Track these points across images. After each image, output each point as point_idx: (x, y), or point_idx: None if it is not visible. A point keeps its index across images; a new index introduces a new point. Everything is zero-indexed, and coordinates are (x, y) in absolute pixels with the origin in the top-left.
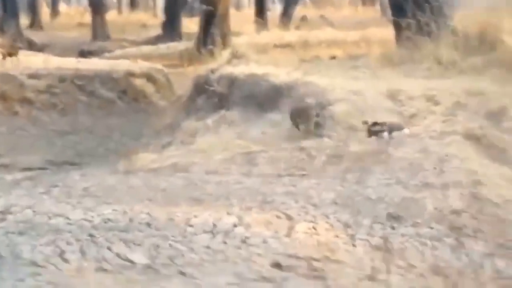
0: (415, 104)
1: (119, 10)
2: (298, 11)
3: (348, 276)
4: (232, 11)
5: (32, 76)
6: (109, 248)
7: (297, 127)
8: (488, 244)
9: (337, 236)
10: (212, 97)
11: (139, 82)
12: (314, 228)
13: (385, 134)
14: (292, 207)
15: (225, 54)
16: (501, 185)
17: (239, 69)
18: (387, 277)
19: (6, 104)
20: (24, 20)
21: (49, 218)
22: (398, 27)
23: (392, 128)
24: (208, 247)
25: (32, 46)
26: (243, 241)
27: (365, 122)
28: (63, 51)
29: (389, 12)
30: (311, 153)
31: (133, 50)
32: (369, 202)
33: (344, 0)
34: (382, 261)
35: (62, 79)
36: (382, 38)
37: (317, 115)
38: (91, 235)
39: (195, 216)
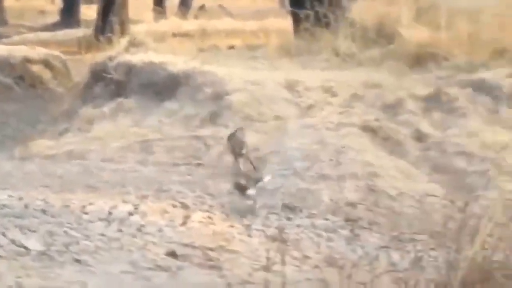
0: (313, 95)
1: None
2: (197, 0)
3: (243, 266)
4: None
5: None
6: (3, 234)
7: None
8: (383, 237)
9: (232, 226)
10: (110, 84)
11: (36, 68)
12: (209, 217)
13: (250, 191)
14: (188, 196)
15: (123, 41)
16: (397, 177)
17: (137, 57)
18: (282, 268)
19: None
20: None
21: None
22: (296, 18)
23: (254, 180)
24: (103, 235)
25: None
26: (139, 230)
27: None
28: None
29: (287, 2)
30: (208, 143)
31: (30, 36)
32: (265, 193)
33: None
34: (277, 252)
35: None
36: (281, 29)
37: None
38: None
39: (91, 204)
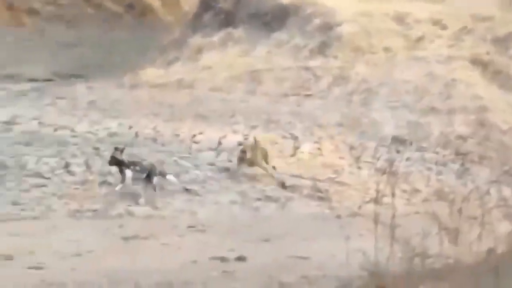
0: (422, 28)
1: None
2: None
3: (352, 198)
4: None
5: None
6: None
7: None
8: (493, 171)
9: (342, 158)
10: (219, 14)
11: None
12: (319, 149)
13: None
14: (297, 127)
15: None
16: (508, 111)
17: None
18: (391, 201)
19: (13, 14)
20: None
21: (55, 130)
22: None
23: (151, 171)
24: (212, 164)
25: None
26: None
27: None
28: None
29: None
30: (317, 73)
31: None
32: (375, 125)
33: None
34: (386, 185)
35: None
36: None
37: None
38: (96, 148)
39: (200, 133)
